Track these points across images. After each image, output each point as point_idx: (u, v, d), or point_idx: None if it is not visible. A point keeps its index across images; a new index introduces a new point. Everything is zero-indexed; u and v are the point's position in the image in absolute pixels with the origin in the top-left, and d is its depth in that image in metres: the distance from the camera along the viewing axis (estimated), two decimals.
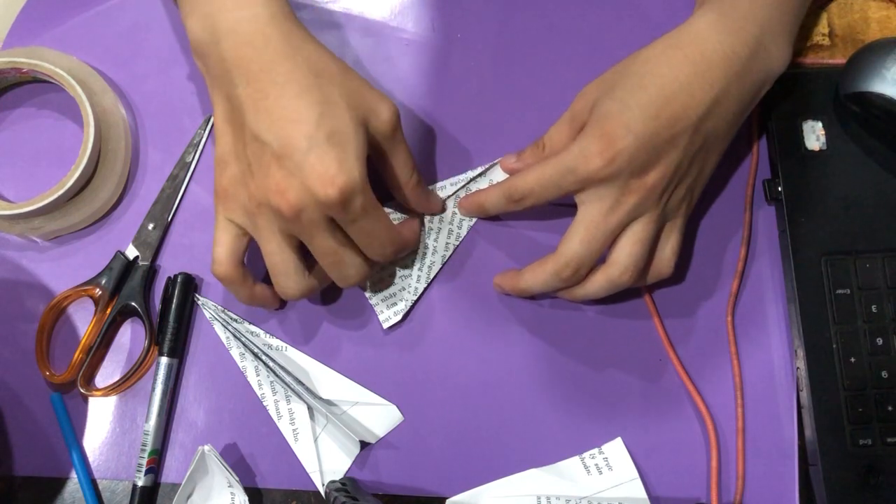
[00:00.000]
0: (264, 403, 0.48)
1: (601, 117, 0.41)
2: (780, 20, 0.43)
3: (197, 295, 0.49)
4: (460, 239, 0.49)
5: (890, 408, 0.45)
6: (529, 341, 0.49)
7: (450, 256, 0.49)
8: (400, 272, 0.49)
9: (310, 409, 0.47)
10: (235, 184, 0.42)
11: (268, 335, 0.49)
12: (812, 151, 0.48)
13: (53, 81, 0.50)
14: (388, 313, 0.48)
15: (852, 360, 0.46)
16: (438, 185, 0.50)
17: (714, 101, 0.41)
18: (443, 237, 0.49)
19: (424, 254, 0.49)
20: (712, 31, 0.42)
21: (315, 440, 0.47)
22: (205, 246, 0.50)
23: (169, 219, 0.50)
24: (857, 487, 0.44)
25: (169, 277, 0.49)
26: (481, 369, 0.48)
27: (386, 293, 0.49)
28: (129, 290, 0.49)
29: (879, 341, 0.46)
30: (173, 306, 0.48)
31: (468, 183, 0.49)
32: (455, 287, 0.49)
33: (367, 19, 0.53)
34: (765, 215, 0.50)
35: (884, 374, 0.45)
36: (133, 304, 0.48)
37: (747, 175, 0.50)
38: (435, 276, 0.49)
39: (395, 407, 0.48)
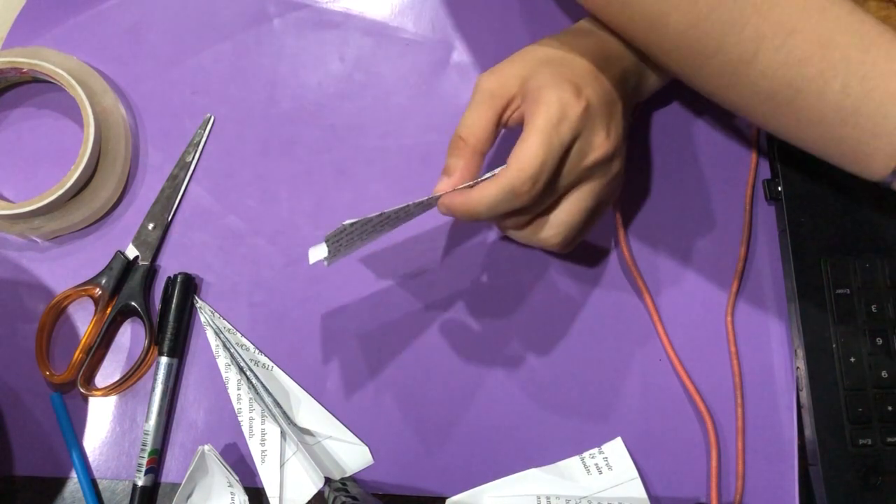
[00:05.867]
0: (239, 418, 0.47)
1: (556, 77, 0.40)
2: None
3: (196, 297, 0.49)
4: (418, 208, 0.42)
5: (890, 408, 0.45)
6: (529, 341, 0.49)
7: (398, 221, 0.43)
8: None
9: (282, 433, 0.47)
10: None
11: (257, 351, 0.48)
12: None
13: (53, 81, 0.50)
14: (316, 251, 0.41)
15: (852, 360, 0.46)
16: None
17: (622, 78, 0.43)
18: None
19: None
20: (601, 26, 0.44)
21: (281, 465, 0.46)
22: (204, 246, 0.50)
23: (169, 219, 0.50)
24: (857, 487, 0.44)
25: (169, 277, 0.49)
26: (481, 369, 0.48)
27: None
28: (129, 289, 0.49)
29: (879, 341, 0.46)
30: (173, 306, 0.48)
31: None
32: (455, 287, 0.49)
33: (367, 19, 0.53)
34: (765, 215, 0.50)
35: (884, 374, 0.45)
36: (133, 303, 0.48)
37: (747, 175, 0.50)
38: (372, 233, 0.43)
39: (367, 448, 0.47)
